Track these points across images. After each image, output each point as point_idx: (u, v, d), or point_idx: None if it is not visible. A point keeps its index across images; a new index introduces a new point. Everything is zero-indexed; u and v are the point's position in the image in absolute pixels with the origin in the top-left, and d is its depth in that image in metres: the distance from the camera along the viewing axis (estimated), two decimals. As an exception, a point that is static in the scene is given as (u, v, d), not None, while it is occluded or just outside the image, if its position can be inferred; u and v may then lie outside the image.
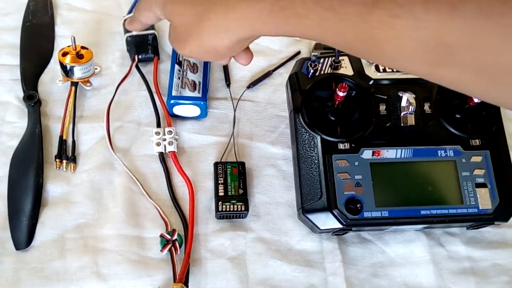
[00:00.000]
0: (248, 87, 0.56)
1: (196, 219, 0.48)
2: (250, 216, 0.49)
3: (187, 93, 0.52)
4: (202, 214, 0.49)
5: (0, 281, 0.43)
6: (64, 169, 0.49)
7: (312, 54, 0.48)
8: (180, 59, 0.54)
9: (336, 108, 0.47)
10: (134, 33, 0.54)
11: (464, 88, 0.30)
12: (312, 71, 0.48)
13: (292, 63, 0.54)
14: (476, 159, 0.46)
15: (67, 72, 0.52)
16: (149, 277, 0.45)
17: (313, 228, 0.46)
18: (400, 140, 0.47)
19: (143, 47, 0.55)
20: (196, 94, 0.52)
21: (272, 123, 0.54)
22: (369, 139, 0.47)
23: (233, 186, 0.48)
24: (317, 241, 0.48)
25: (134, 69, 0.54)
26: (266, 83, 0.57)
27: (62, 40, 0.57)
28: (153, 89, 0.54)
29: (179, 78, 0.52)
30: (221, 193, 0.48)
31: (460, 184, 0.45)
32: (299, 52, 0.59)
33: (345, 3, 0.30)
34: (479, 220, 0.45)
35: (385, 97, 0.48)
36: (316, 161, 0.46)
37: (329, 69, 0.49)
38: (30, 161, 0.48)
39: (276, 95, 0.56)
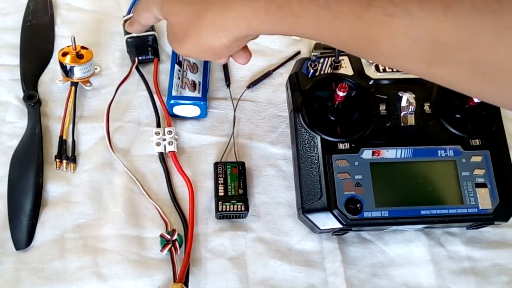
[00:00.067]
0: (248, 87, 0.56)
1: (196, 219, 0.48)
2: (250, 216, 0.49)
3: (187, 93, 0.52)
4: (202, 214, 0.49)
5: (0, 281, 0.43)
6: (64, 169, 0.49)
7: (312, 54, 0.48)
8: (180, 59, 0.54)
9: (336, 108, 0.47)
10: (134, 34, 0.54)
11: (461, 87, 0.30)
12: (312, 71, 0.48)
13: (292, 63, 0.54)
14: (476, 159, 0.46)
15: (67, 72, 0.52)
16: (149, 277, 0.45)
17: (313, 228, 0.46)
18: (400, 140, 0.47)
19: (143, 49, 0.55)
20: (196, 94, 0.52)
21: (272, 123, 0.54)
22: (369, 139, 0.47)
23: (233, 186, 0.48)
24: (317, 241, 0.48)
25: (134, 69, 0.54)
26: (266, 83, 0.57)
27: (62, 40, 0.57)
28: (153, 89, 0.54)
29: (179, 78, 0.52)
30: (221, 193, 0.48)
31: (460, 184, 0.45)
32: (299, 52, 0.59)
33: (341, 2, 0.30)
34: (479, 220, 0.45)
35: (385, 97, 0.48)
36: (316, 161, 0.46)
37: (329, 69, 0.49)
38: (30, 161, 0.48)
39: (276, 95, 0.56)
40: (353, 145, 0.46)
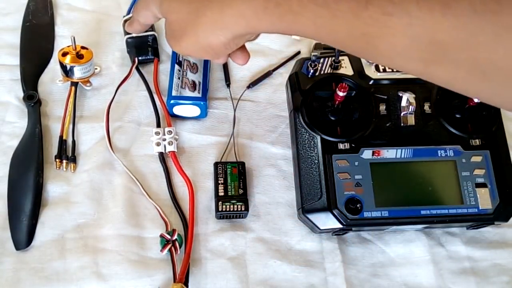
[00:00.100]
0: (248, 87, 0.56)
1: (196, 219, 0.48)
2: (250, 216, 0.49)
3: (187, 93, 0.52)
4: (202, 214, 0.49)
5: (0, 281, 0.43)
6: (64, 169, 0.49)
7: (312, 54, 0.48)
8: (180, 59, 0.54)
9: (336, 108, 0.47)
10: (134, 34, 0.54)
11: (459, 87, 0.30)
12: (312, 71, 0.48)
13: (292, 63, 0.54)
14: (476, 159, 0.46)
15: (67, 72, 0.52)
16: (149, 277, 0.45)
17: (313, 228, 0.46)
18: (400, 140, 0.47)
19: (143, 49, 0.55)
20: (196, 94, 0.52)
21: (272, 123, 0.54)
22: (369, 139, 0.47)
23: (233, 186, 0.48)
24: (317, 241, 0.48)
25: (134, 69, 0.54)
26: (266, 83, 0.57)
27: (62, 40, 0.57)
28: (153, 89, 0.54)
29: (179, 78, 0.52)
30: (221, 193, 0.48)
31: (460, 184, 0.45)
32: (299, 52, 0.59)
33: (339, 0, 0.30)
34: (479, 220, 0.45)
35: (385, 97, 0.48)
36: (316, 161, 0.46)
37: (329, 69, 0.49)
38: (30, 161, 0.48)
39: (276, 95, 0.56)
40: (353, 145, 0.46)
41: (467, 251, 0.48)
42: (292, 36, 0.58)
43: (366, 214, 0.44)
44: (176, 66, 0.53)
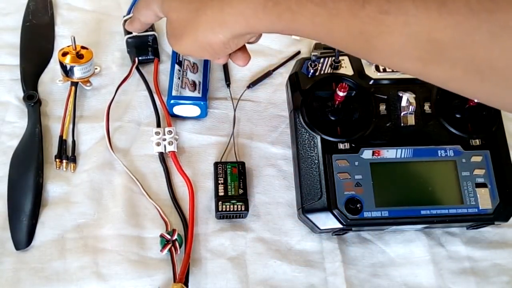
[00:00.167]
0: (248, 87, 0.56)
1: (196, 219, 0.48)
2: (250, 216, 0.49)
3: (187, 93, 0.52)
4: (202, 214, 0.49)
5: (0, 281, 0.43)
6: (64, 169, 0.49)
7: (312, 54, 0.48)
8: (180, 59, 0.54)
9: (336, 108, 0.47)
10: (134, 34, 0.54)
11: (457, 87, 0.30)
12: (312, 71, 0.48)
13: (292, 63, 0.54)
14: (476, 159, 0.46)
15: (67, 72, 0.52)
16: (149, 277, 0.45)
17: (313, 228, 0.46)
18: (400, 140, 0.47)
19: (143, 49, 0.55)
20: (196, 94, 0.52)
21: (272, 123, 0.54)
22: (369, 139, 0.47)
23: (233, 186, 0.48)
24: (317, 241, 0.48)
25: (134, 69, 0.54)
26: (266, 83, 0.57)
27: (62, 40, 0.57)
28: (153, 89, 0.54)
29: (179, 78, 0.52)
30: (221, 193, 0.48)
31: (460, 184, 0.45)
32: (299, 52, 0.59)
33: None
34: (479, 220, 0.45)
35: (385, 97, 0.48)
36: (316, 161, 0.46)
37: (329, 69, 0.49)
38: (30, 161, 0.48)
39: (276, 95, 0.56)
40: (353, 145, 0.46)
41: (467, 251, 0.48)
42: (292, 36, 0.58)
43: (366, 214, 0.44)
44: (176, 66, 0.53)
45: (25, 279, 0.44)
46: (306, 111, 0.47)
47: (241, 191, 0.48)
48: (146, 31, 0.52)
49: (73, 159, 0.49)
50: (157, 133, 0.51)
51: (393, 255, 0.48)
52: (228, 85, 0.56)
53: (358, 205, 0.44)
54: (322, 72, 0.49)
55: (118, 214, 0.47)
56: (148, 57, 0.55)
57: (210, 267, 0.46)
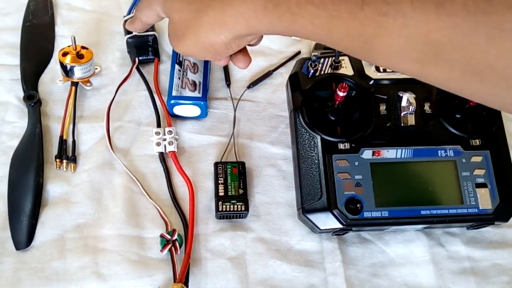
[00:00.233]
0: (248, 87, 0.56)
1: (196, 219, 0.48)
2: (250, 216, 0.49)
3: (187, 93, 0.52)
4: (202, 214, 0.49)
5: (0, 281, 0.43)
6: (64, 169, 0.49)
7: (312, 54, 0.48)
8: (181, 59, 0.54)
9: (336, 108, 0.47)
10: (134, 34, 0.54)
11: (454, 88, 0.30)
12: (312, 71, 0.48)
13: (292, 63, 0.54)
14: (476, 159, 0.46)
15: (67, 72, 0.52)
16: (149, 277, 0.45)
17: (313, 228, 0.46)
18: (400, 140, 0.47)
19: (143, 49, 0.55)
20: (196, 94, 0.52)
21: (272, 123, 0.54)
22: (369, 139, 0.47)
23: (233, 186, 0.48)
24: (317, 241, 0.48)
25: (134, 69, 0.55)
26: (266, 83, 0.57)
27: (62, 40, 0.57)
28: (153, 89, 0.54)
29: (179, 78, 0.52)
30: (221, 193, 0.48)
31: (460, 184, 0.45)
32: (299, 52, 0.59)
33: (336, 1, 0.30)
34: (479, 220, 0.45)
35: (385, 97, 0.48)
36: (316, 161, 0.46)
37: (329, 69, 0.49)
38: (30, 161, 0.48)
39: (276, 95, 0.56)
40: (353, 145, 0.46)
41: (467, 251, 0.48)
42: (292, 36, 0.58)
43: (366, 214, 0.44)
44: (177, 66, 0.53)
45: (25, 279, 0.44)
46: (306, 111, 0.47)
47: (241, 191, 0.48)
48: (147, 31, 0.52)
49: (73, 159, 0.49)
50: (157, 133, 0.51)
51: (393, 255, 0.48)
52: (228, 85, 0.56)
53: (358, 205, 0.44)
54: (322, 72, 0.49)
55: (118, 214, 0.47)
56: (148, 57, 0.55)
57: (210, 267, 0.46)
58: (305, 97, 0.48)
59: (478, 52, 0.27)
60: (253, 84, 0.56)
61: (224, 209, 0.47)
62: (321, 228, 0.45)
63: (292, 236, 0.48)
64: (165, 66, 0.56)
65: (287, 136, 0.53)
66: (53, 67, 0.55)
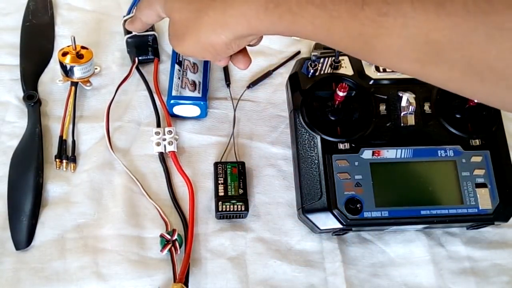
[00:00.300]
0: (248, 87, 0.56)
1: (196, 219, 0.48)
2: (250, 216, 0.49)
3: (187, 93, 0.52)
4: (202, 214, 0.49)
5: (0, 281, 0.43)
6: (64, 169, 0.49)
7: (312, 54, 0.48)
8: (180, 59, 0.54)
9: (336, 108, 0.47)
10: (134, 34, 0.54)
11: (455, 88, 0.30)
12: (312, 71, 0.48)
13: (292, 63, 0.54)
14: (476, 159, 0.46)
15: (67, 72, 0.51)
16: (149, 277, 0.45)
17: (313, 228, 0.46)
18: (400, 140, 0.47)
19: (143, 49, 0.55)
20: (196, 94, 0.52)
21: (272, 123, 0.54)
22: (369, 139, 0.47)
23: (233, 186, 0.48)
24: (317, 241, 0.48)
25: (134, 69, 0.55)
26: (266, 83, 0.57)
27: (62, 40, 0.57)
28: (153, 89, 0.54)
29: (179, 78, 0.52)
30: (221, 193, 0.48)
31: (460, 184, 0.45)
32: (299, 52, 0.59)
33: (337, 1, 0.30)
34: (479, 220, 0.45)
35: (385, 97, 0.48)
36: (316, 161, 0.46)
37: (329, 69, 0.49)
38: (30, 161, 0.48)
39: (276, 95, 0.56)
40: (353, 145, 0.46)
41: (467, 251, 0.48)
42: (293, 36, 0.58)
43: (366, 214, 0.44)
44: (176, 66, 0.53)
45: (25, 279, 0.44)
46: (306, 111, 0.47)
47: (241, 191, 0.48)
48: (146, 31, 0.52)
49: (73, 159, 0.49)
50: (157, 133, 0.51)
51: (393, 255, 0.48)
52: (228, 85, 0.56)
53: (358, 205, 0.44)
54: (322, 72, 0.49)
55: (118, 214, 0.47)
56: (148, 57, 0.55)
57: (210, 267, 0.46)
58: (305, 97, 0.48)
59: (478, 52, 0.27)
60: (253, 84, 0.56)
61: (224, 209, 0.47)
62: (321, 228, 0.45)
63: (292, 236, 0.48)
64: (165, 66, 0.56)
65: (287, 136, 0.53)
66: (53, 67, 0.55)
